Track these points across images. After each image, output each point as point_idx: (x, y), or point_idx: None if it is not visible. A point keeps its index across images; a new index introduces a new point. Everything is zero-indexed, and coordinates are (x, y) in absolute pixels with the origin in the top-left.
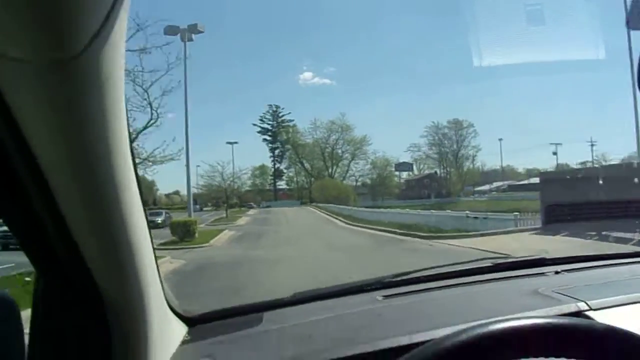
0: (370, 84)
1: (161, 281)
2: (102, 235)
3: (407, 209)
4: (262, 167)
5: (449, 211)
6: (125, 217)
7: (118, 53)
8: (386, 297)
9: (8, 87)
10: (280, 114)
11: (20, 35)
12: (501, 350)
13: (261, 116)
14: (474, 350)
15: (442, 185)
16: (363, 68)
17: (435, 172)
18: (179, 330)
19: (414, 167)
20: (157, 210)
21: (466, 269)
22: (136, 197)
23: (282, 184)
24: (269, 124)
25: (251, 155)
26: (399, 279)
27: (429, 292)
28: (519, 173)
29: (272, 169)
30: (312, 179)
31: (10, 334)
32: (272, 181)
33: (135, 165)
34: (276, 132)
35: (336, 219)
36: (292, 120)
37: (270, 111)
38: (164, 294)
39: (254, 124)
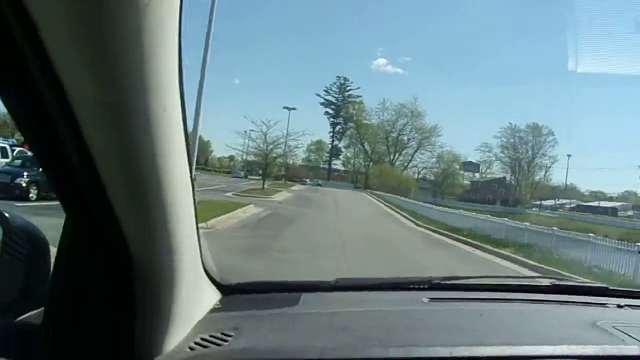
0: (446, 76)
1: (200, 245)
2: (134, 186)
3: (486, 214)
4: (319, 142)
5: (547, 228)
6: (164, 173)
7: None
8: (432, 299)
9: (47, 25)
10: (348, 88)
11: None
12: None
13: (327, 87)
14: None
15: (509, 193)
16: (439, 59)
17: (504, 178)
18: (212, 296)
19: (480, 168)
20: None
21: (521, 284)
22: (181, 151)
23: (337, 164)
24: (334, 97)
25: (309, 129)
26: (447, 282)
27: (478, 302)
28: (581, 193)
29: (330, 146)
30: (371, 163)
31: (37, 272)
32: (328, 159)
33: (185, 119)
34: (340, 106)
35: (398, 213)
36: (360, 97)
37: (338, 83)
38: (202, 258)
39: (318, 94)
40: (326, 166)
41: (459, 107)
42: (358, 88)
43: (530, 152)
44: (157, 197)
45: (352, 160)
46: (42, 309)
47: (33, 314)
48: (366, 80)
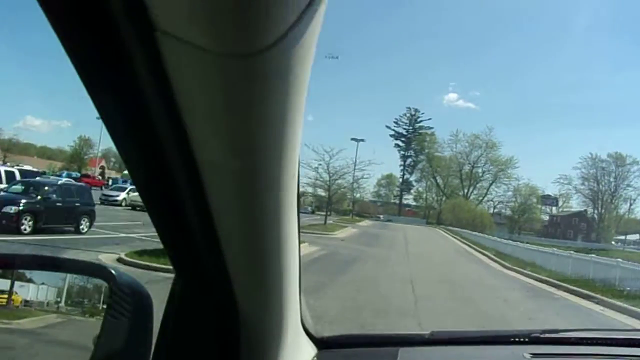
0: (517, 110)
1: (300, 299)
2: (253, 246)
3: (568, 250)
4: (389, 177)
5: None
6: (281, 231)
7: (309, 50)
8: (534, 355)
9: (180, 74)
10: (419, 119)
11: (209, 23)
12: None
13: (397, 119)
14: None
15: (591, 227)
16: (510, 94)
17: (586, 211)
18: (309, 351)
19: (559, 201)
20: None
21: (625, 339)
22: (294, 210)
23: (409, 199)
24: (404, 129)
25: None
26: (549, 336)
27: (583, 358)
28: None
29: (400, 180)
30: (444, 197)
31: (141, 329)
32: (399, 193)
33: (298, 177)
34: (411, 138)
35: (478, 251)
36: (432, 128)
37: (408, 114)
38: (301, 312)
39: (387, 126)
40: (397, 201)
41: (534, 141)
42: (429, 119)
43: (613, 183)
44: (273, 258)
45: (423, 195)
46: None
47: None
48: (437, 115)
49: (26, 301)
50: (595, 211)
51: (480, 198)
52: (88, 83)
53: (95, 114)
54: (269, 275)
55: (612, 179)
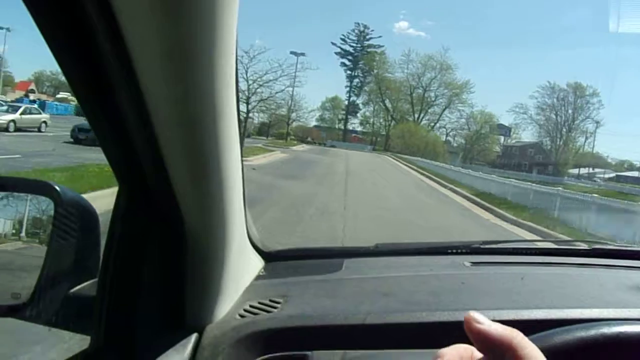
0: (471, 36)
1: (245, 212)
2: (194, 157)
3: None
4: (335, 99)
5: None
6: (220, 142)
7: None
8: (474, 263)
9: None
10: (368, 36)
11: None
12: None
13: (344, 35)
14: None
15: (547, 160)
16: (464, 19)
17: (542, 143)
18: (256, 263)
19: (511, 131)
20: None
21: (560, 248)
22: (234, 119)
23: (355, 124)
24: (351, 46)
25: (323, 86)
26: (487, 246)
27: (519, 266)
28: (607, 162)
29: (346, 102)
30: (393, 122)
31: (89, 244)
32: (344, 117)
33: (237, 87)
34: (359, 57)
35: (449, 189)
36: (382, 47)
37: (357, 31)
38: (247, 225)
39: (333, 43)
40: (342, 126)
41: (488, 67)
42: (380, 37)
43: (571, 115)
44: (214, 168)
45: (371, 120)
46: (95, 280)
47: (86, 285)
48: (387, 43)
49: None
50: (552, 143)
51: (432, 124)
52: (49, 39)
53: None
54: (212, 187)
55: (570, 110)
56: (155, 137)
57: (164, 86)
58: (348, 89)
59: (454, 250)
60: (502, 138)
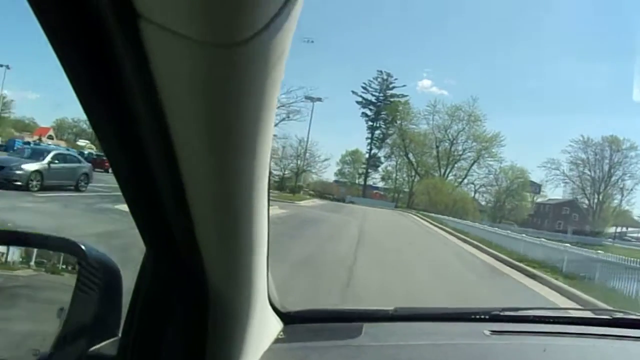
0: (496, 95)
1: (268, 275)
2: (223, 222)
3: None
4: (355, 153)
5: None
6: (251, 209)
7: (287, 42)
8: (494, 332)
9: (164, 62)
10: (391, 85)
11: (194, 12)
12: None
13: (365, 84)
14: None
15: (584, 219)
16: (487, 83)
17: (576, 200)
18: (275, 326)
19: (541, 188)
20: None
21: (581, 317)
22: (264, 190)
23: (376, 179)
24: (373, 95)
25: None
26: (508, 314)
27: (540, 336)
28: (635, 221)
29: (367, 155)
30: (417, 178)
31: (110, 302)
32: (364, 171)
33: (270, 157)
34: (381, 106)
35: (508, 265)
36: (406, 96)
37: (379, 79)
38: (268, 288)
39: (354, 92)
40: (362, 181)
41: (517, 125)
42: (404, 86)
43: (608, 170)
44: (243, 229)
45: (393, 175)
46: (116, 338)
47: (106, 344)
48: (411, 97)
49: None
50: (586, 200)
51: (460, 180)
52: (70, 72)
53: None
54: (239, 252)
55: (606, 165)
56: (186, 202)
57: (200, 164)
58: (369, 140)
59: (474, 317)
60: (533, 195)
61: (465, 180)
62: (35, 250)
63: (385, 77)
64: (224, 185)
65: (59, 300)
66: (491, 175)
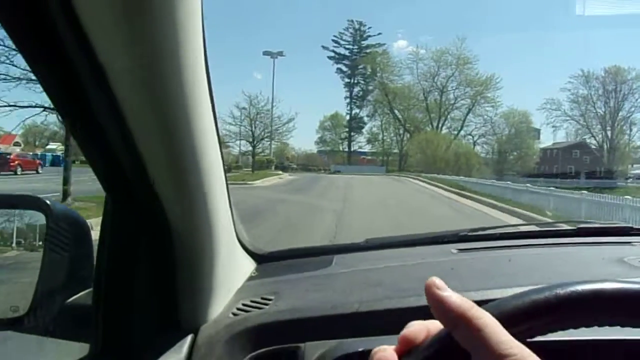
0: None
1: (232, 215)
2: (172, 160)
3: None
4: (335, 117)
5: None
6: (197, 144)
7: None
8: (461, 250)
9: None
10: (365, 34)
11: None
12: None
13: (336, 36)
14: (566, 307)
15: (596, 161)
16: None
17: (585, 141)
18: (247, 266)
19: (540, 133)
20: None
21: (546, 230)
22: (209, 122)
23: (362, 142)
24: (347, 48)
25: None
26: (475, 233)
27: (506, 249)
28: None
29: (348, 116)
30: (407, 135)
31: (82, 255)
32: (347, 135)
33: (211, 92)
34: (357, 60)
35: None
36: (384, 45)
37: (351, 30)
38: (235, 228)
39: (324, 47)
40: (346, 147)
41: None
42: (379, 34)
43: (614, 105)
44: (193, 170)
45: (379, 136)
46: (90, 289)
47: (82, 295)
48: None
49: None
50: (594, 140)
51: (455, 132)
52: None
53: None
54: (193, 189)
55: (612, 100)
56: (134, 144)
57: (137, 93)
58: (348, 99)
59: (443, 240)
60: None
61: (463, 132)
62: None
63: (357, 26)
64: (164, 123)
65: (32, 259)
66: (488, 124)
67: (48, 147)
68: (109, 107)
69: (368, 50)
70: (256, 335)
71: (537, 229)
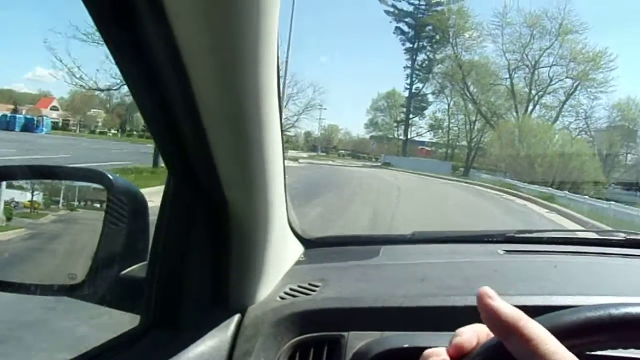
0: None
1: (286, 200)
2: (237, 144)
3: None
4: (391, 95)
5: None
6: (262, 132)
7: None
8: (507, 252)
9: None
10: None
11: None
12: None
13: None
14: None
15: None
16: None
17: None
18: (296, 250)
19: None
20: None
21: (594, 238)
22: (275, 107)
23: (422, 129)
24: (411, 4)
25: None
26: (522, 235)
27: (552, 254)
28: None
29: (407, 92)
30: (480, 124)
31: (138, 229)
32: (405, 117)
33: (278, 81)
34: (424, 18)
35: None
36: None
37: None
38: (287, 212)
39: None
40: (401, 133)
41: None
42: None
43: None
44: (257, 152)
45: (445, 123)
46: (145, 262)
47: (136, 268)
48: None
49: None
50: None
51: (550, 121)
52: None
53: None
54: (255, 171)
55: None
56: (202, 127)
57: (213, 77)
58: (409, 69)
59: (489, 239)
60: None
61: (559, 124)
62: (63, 183)
63: None
64: (233, 108)
65: (92, 230)
66: (599, 112)
67: (88, 113)
68: (181, 87)
69: (438, 8)
70: (302, 320)
71: (585, 235)
